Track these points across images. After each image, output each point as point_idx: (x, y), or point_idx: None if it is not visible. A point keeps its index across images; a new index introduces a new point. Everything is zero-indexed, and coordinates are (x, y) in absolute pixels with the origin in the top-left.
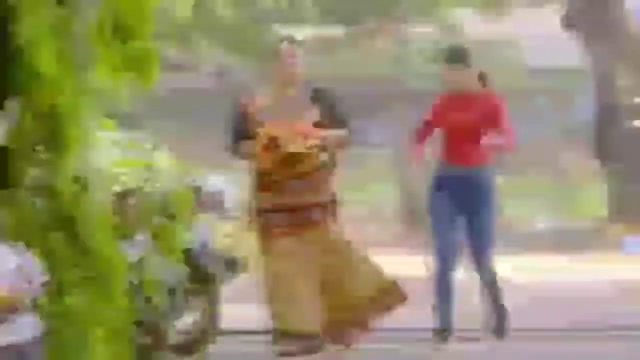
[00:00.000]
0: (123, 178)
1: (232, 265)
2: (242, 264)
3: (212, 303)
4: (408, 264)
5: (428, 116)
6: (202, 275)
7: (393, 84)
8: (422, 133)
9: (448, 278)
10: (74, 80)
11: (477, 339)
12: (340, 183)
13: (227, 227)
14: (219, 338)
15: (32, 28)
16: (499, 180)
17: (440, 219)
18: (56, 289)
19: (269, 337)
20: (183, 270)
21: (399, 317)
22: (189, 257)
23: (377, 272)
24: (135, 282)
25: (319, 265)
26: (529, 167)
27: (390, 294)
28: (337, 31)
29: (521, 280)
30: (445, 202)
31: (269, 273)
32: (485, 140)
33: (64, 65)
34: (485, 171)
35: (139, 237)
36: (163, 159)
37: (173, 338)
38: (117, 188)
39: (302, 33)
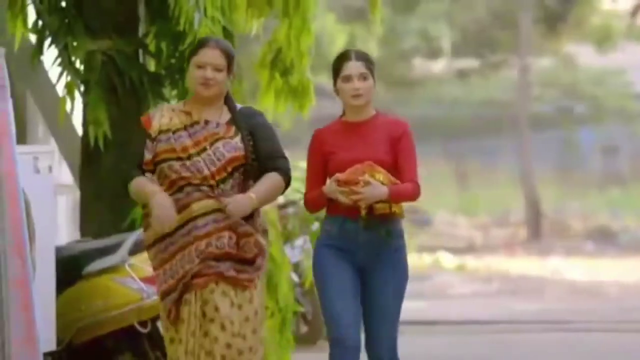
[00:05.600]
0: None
1: None
2: None
3: None
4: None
5: None
6: None
7: (516, 107)
8: None
9: None
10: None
11: None
12: (471, 193)
13: None
14: None
15: None
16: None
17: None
18: None
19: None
20: None
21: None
22: None
23: None
24: (296, 279)
25: None
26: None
27: None
28: (469, 63)
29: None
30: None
31: None
32: None
33: (233, 95)
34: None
35: (299, 241)
36: None
37: None
38: (280, 199)
39: (439, 65)
